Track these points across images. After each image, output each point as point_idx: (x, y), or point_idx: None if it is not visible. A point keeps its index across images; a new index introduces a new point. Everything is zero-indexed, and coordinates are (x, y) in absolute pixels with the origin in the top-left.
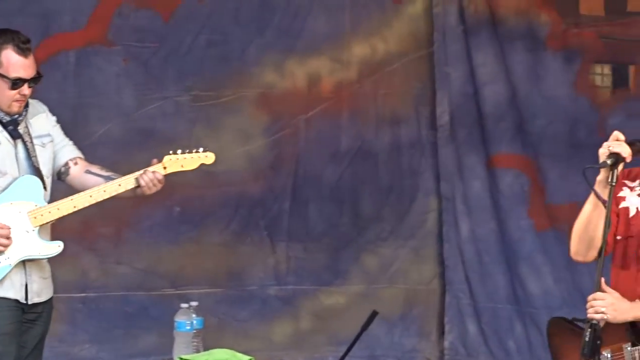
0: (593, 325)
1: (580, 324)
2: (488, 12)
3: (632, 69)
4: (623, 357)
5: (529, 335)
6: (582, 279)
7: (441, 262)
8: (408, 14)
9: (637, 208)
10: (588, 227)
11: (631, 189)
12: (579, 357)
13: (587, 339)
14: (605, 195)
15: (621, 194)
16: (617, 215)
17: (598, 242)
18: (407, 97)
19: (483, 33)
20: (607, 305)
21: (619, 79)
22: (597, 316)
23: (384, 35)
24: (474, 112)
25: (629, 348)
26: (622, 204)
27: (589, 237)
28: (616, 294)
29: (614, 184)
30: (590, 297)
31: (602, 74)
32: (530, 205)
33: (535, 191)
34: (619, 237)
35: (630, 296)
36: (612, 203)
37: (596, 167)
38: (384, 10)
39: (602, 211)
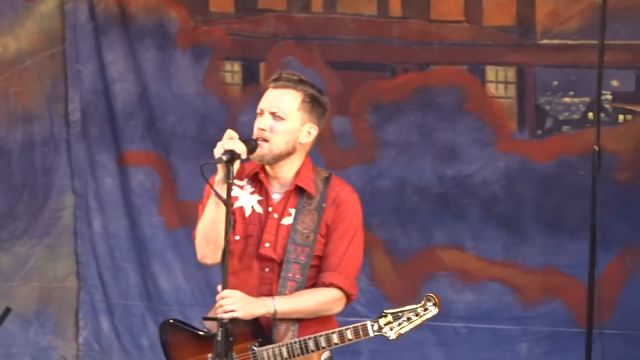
0: (224, 325)
1: (186, 324)
2: (118, 9)
3: (262, 66)
4: (249, 357)
5: None
6: (212, 277)
7: (77, 259)
8: (40, 12)
9: (252, 207)
10: (214, 228)
11: (241, 187)
12: (193, 355)
13: (219, 338)
14: (224, 194)
15: (233, 194)
16: (234, 215)
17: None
18: (40, 94)
19: (113, 30)
20: (236, 302)
21: (250, 76)
22: (227, 315)
23: (16, 34)
24: (105, 110)
25: (255, 348)
26: (236, 204)
27: (215, 237)
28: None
29: (231, 181)
30: (218, 296)
31: (232, 71)
32: (161, 202)
33: (166, 189)
34: (237, 237)
35: (254, 295)
36: (228, 221)
37: (211, 162)
38: (15, 9)
39: (224, 210)
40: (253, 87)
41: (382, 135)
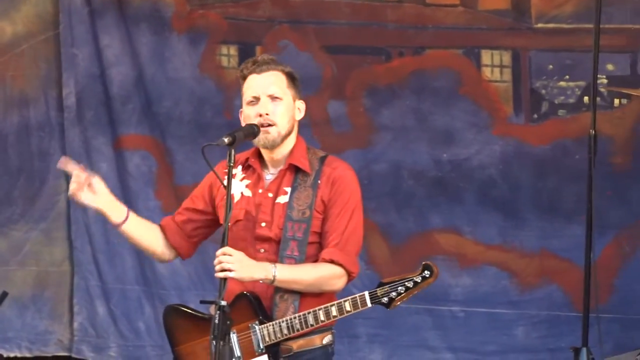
0: (221, 307)
1: (189, 309)
2: None
3: (258, 49)
4: (250, 335)
5: (158, 316)
6: (209, 260)
7: (70, 244)
8: None
9: (241, 193)
10: (139, 246)
11: (234, 176)
12: (196, 338)
13: (216, 321)
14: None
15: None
16: (217, 209)
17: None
18: (35, 78)
19: (109, 14)
20: (235, 261)
21: (246, 60)
22: (223, 274)
23: (12, 18)
24: (101, 94)
25: (256, 326)
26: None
27: (147, 252)
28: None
29: (232, 164)
30: (218, 252)
31: (228, 55)
32: (158, 186)
33: (163, 173)
34: (229, 224)
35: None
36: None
37: (213, 144)
38: None
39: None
40: None
41: (377, 119)
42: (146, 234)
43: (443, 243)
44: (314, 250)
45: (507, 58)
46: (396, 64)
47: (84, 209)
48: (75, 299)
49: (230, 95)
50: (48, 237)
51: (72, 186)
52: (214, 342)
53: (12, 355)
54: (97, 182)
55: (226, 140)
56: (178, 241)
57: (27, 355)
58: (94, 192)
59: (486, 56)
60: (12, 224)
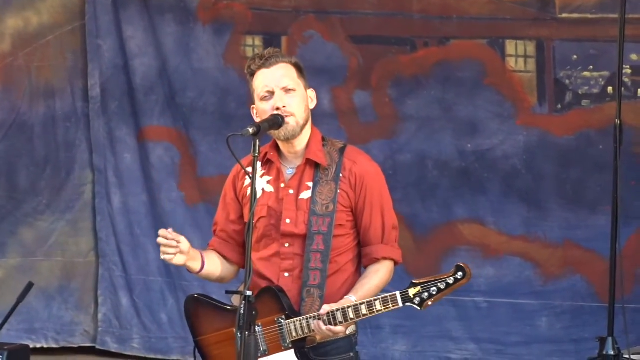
0: (247, 298)
1: (212, 299)
2: None
3: (284, 40)
4: (276, 330)
5: (180, 307)
6: None
7: (96, 235)
8: None
9: (262, 189)
10: (209, 278)
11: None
12: (218, 329)
13: (242, 311)
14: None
15: (246, 183)
16: (247, 202)
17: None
18: (62, 69)
19: (133, 5)
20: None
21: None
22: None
23: (38, 8)
24: (125, 85)
25: (282, 320)
26: (249, 191)
27: (216, 279)
28: None
29: (257, 154)
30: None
31: (253, 45)
32: (181, 178)
33: (186, 164)
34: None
35: (277, 272)
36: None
37: (238, 134)
38: None
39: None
40: None
41: (402, 110)
42: (216, 267)
43: (467, 234)
44: (338, 242)
45: (531, 48)
46: (421, 54)
47: (108, 199)
48: (100, 290)
49: None
50: (74, 228)
51: (166, 256)
52: (239, 332)
53: (38, 346)
54: (184, 243)
55: (251, 130)
56: (236, 256)
57: (54, 346)
58: (182, 253)
59: (510, 46)
60: (38, 215)
